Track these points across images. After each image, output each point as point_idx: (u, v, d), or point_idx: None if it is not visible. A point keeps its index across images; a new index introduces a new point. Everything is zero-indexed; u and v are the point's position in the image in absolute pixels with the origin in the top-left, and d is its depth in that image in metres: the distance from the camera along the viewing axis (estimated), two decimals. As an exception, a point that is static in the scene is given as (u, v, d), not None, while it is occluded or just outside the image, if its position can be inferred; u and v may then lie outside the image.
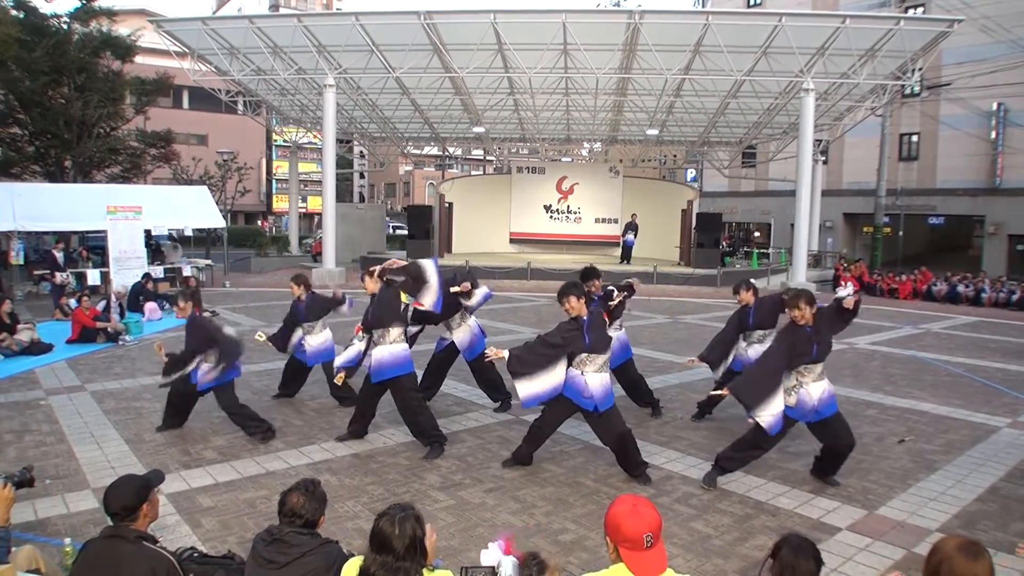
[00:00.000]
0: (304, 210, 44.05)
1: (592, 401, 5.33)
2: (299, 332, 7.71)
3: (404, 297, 6.10)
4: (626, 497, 2.44)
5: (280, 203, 49.15)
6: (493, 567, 2.44)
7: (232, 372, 6.38)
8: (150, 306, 13.52)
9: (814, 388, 5.25)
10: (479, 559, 2.51)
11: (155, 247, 18.24)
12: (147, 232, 16.99)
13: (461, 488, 5.29)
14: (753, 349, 6.74)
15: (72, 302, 11.99)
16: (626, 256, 23.88)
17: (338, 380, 6.48)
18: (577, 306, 5.32)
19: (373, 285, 6.01)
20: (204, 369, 6.25)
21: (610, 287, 6.88)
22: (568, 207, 27.48)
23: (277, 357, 9.82)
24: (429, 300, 6.09)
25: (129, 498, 2.92)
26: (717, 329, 7.39)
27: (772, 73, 19.57)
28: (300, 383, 7.98)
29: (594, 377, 5.34)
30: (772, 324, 6.78)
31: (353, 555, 2.74)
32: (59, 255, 15.84)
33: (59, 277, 15.03)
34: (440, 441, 6.03)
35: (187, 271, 17.68)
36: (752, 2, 35.42)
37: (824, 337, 5.23)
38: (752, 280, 7.07)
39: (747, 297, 6.90)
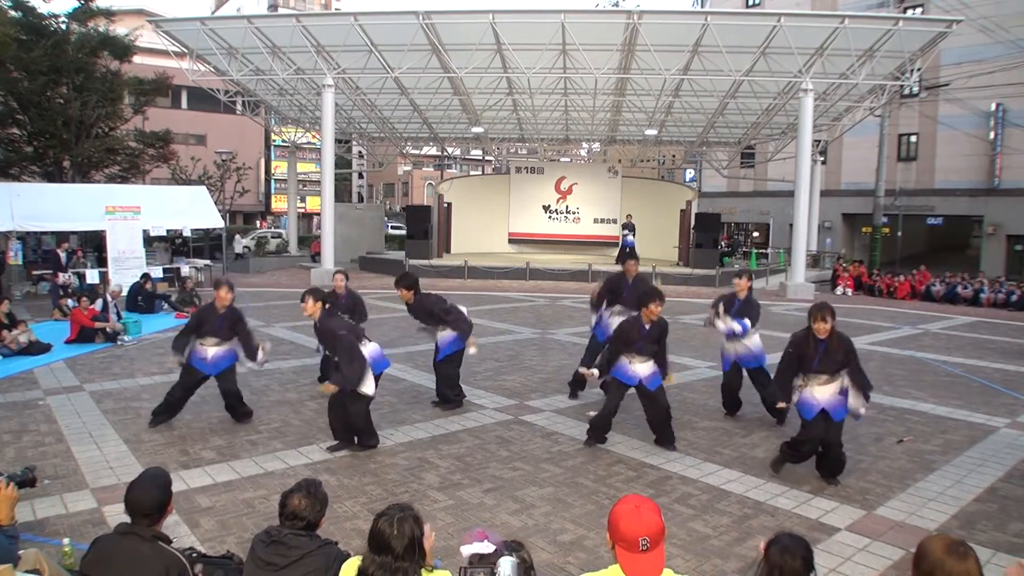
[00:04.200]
0: (303, 210, 43.97)
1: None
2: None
3: None
4: (632, 497, 2.39)
5: (279, 203, 49.05)
6: (492, 567, 2.43)
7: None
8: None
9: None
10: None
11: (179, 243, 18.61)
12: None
13: (460, 488, 5.29)
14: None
15: (71, 302, 11.98)
16: (632, 256, 23.80)
17: None
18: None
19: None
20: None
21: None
22: (567, 207, 27.47)
23: (276, 357, 9.83)
24: None
25: (157, 497, 2.90)
26: (714, 330, 7.43)
27: (771, 73, 19.59)
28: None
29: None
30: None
31: (351, 555, 2.73)
32: (63, 255, 15.86)
33: (61, 277, 15.05)
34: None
35: (185, 271, 17.66)
36: (751, 2, 35.45)
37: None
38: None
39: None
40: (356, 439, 6.14)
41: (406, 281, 7.41)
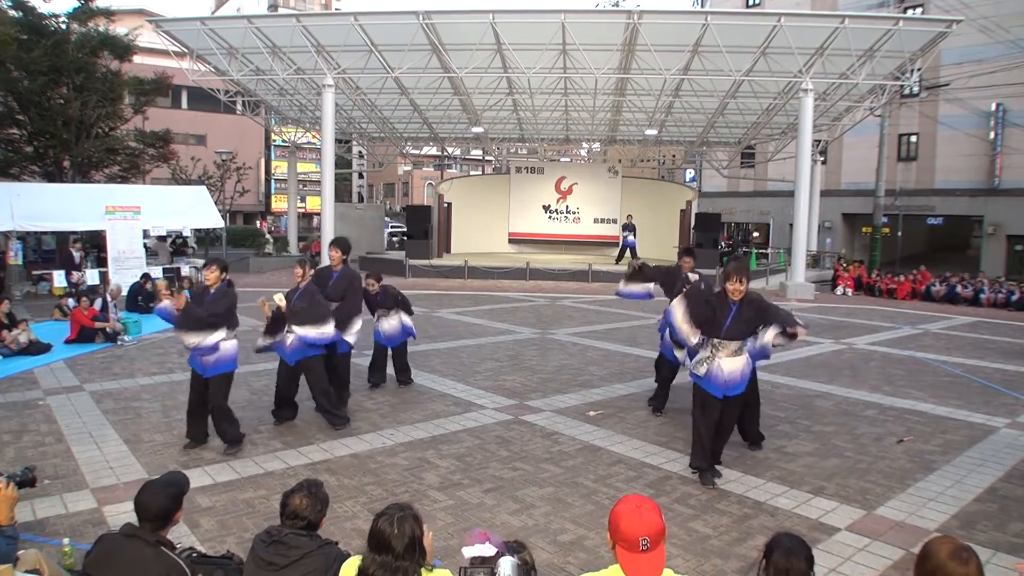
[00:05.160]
0: (303, 210, 43.99)
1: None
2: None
3: None
4: (633, 497, 2.39)
5: (279, 203, 49.04)
6: (492, 568, 2.43)
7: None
8: None
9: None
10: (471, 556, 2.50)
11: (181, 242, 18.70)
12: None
13: (460, 488, 5.29)
14: None
15: (71, 302, 11.99)
16: (633, 256, 23.83)
17: None
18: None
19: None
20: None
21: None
22: (567, 207, 27.48)
23: (274, 357, 9.82)
24: None
25: (165, 505, 2.91)
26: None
27: (771, 73, 19.58)
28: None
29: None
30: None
31: (351, 555, 2.73)
32: (76, 253, 15.90)
33: (75, 275, 15.15)
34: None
35: (185, 271, 17.66)
36: (751, 2, 35.45)
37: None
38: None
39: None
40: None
41: (341, 243, 7.28)
